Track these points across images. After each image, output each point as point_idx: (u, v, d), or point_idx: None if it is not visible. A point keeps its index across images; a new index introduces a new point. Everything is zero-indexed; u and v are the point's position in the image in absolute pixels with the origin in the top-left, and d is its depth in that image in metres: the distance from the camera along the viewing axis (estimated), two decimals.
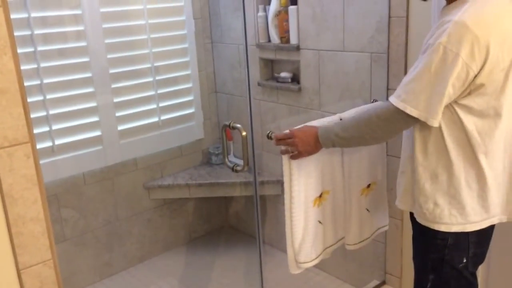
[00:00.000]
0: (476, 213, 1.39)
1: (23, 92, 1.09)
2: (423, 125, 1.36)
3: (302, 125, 1.65)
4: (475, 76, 1.26)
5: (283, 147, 1.62)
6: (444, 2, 1.43)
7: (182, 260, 2.90)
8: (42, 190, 1.15)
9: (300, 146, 1.58)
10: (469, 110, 1.31)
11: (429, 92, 1.27)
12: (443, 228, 1.41)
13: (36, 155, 1.13)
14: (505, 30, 1.26)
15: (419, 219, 1.47)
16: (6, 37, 1.04)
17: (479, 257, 1.51)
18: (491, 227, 1.47)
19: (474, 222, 1.40)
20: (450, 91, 1.26)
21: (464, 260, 1.44)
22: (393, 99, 1.34)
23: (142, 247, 2.83)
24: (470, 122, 1.32)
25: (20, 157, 1.10)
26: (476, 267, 1.51)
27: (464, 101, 1.30)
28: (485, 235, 1.47)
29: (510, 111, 1.34)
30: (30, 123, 1.11)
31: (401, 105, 1.31)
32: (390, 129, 1.40)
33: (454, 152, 1.35)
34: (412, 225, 1.58)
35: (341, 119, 1.76)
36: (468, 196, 1.38)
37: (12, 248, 1.13)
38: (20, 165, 1.11)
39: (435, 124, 1.30)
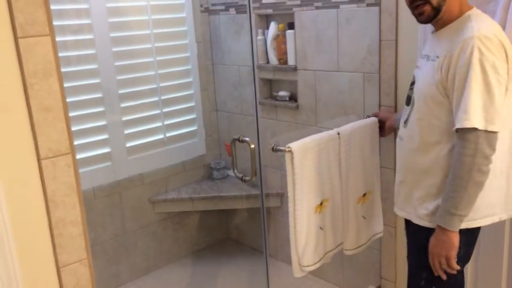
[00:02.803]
0: (477, 210, 1.53)
1: (66, 109, 1.24)
2: (439, 132, 1.52)
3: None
4: None
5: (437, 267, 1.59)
6: (432, 28, 1.62)
7: (186, 272, 3.01)
8: (80, 196, 1.29)
9: (441, 253, 1.54)
10: None
11: (489, 104, 1.40)
12: (462, 225, 1.52)
13: (76, 165, 1.27)
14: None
15: (422, 222, 1.61)
16: (53, 61, 1.20)
17: (467, 257, 1.66)
18: (478, 230, 1.62)
19: (475, 219, 1.55)
20: (503, 96, 1.42)
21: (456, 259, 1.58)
22: (458, 124, 1.41)
23: (147, 259, 2.95)
24: None
25: (62, 167, 1.25)
26: (463, 266, 1.66)
27: None
28: (473, 235, 1.62)
29: (510, 114, 1.50)
30: (71, 136, 1.25)
31: (473, 124, 1.38)
32: (484, 154, 1.41)
33: None
34: (409, 229, 1.73)
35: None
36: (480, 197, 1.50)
37: (53, 248, 1.27)
38: (62, 173, 1.25)
39: (497, 129, 1.41)
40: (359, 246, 2.09)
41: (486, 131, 1.40)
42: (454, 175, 1.45)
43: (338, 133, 1.94)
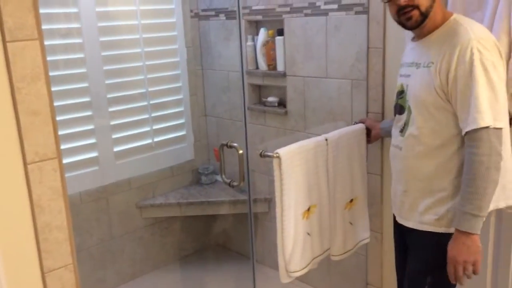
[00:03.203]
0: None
1: (53, 113, 1.23)
2: (450, 140, 1.52)
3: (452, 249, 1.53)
4: None
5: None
6: (411, 35, 1.64)
7: (172, 277, 3.00)
8: (66, 201, 1.28)
9: (468, 259, 1.49)
10: None
11: (494, 101, 1.42)
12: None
13: (63, 169, 1.27)
14: None
15: (431, 228, 1.59)
16: (41, 65, 1.20)
17: None
18: None
19: None
20: (505, 91, 1.46)
21: None
22: (474, 125, 1.41)
23: (133, 264, 2.93)
24: None
25: (49, 171, 1.24)
26: None
27: None
28: None
29: None
30: (58, 141, 1.25)
31: (487, 123, 1.40)
32: (497, 151, 1.42)
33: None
34: (408, 238, 1.70)
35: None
36: None
37: (38, 253, 1.26)
38: (48, 178, 1.24)
39: (503, 125, 1.43)
40: (346, 252, 2.10)
41: (495, 128, 1.42)
42: (474, 176, 1.43)
43: (326, 139, 1.95)
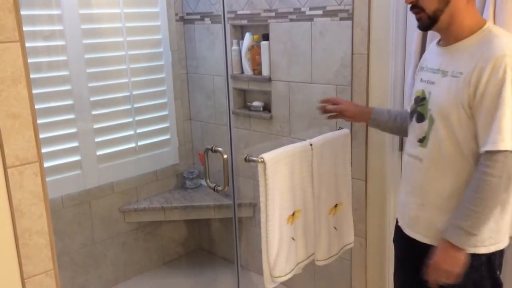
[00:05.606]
0: (506, 230, 1.51)
1: (34, 116, 1.21)
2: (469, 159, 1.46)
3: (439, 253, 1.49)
4: None
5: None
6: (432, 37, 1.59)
7: (156, 282, 2.97)
8: (47, 206, 1.26)
9: (453, 270, 1.47)
10: None
11: None
12: (483, 250, 1.48)
13: (43, 173, 1.25)
14: None
15: None
16: (22, 68, 1.18)
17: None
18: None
19: (503, 241, 1.51)
20: None
21: (498, 272, 1.53)
22: (492, 146, 1.36)
23: (116, 270, 2.90)
24: None
25: (29, 175, 1.22)
26: None
27: None
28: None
29: None
30: (39, 144, 1.23)
31: (507, 146, 1.34)
32: (509, 174, 1.37)
33: None
34: (419, 252, 1.60)
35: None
36: (502, 218, 1.49)
37: (18, 259, 1.23)
38: (29, 182, 1.22)
39: None
40: (330, 257, 2.10)
41: None
42: (479, 195, 1.40)
43: (311, 144, 1.96)
